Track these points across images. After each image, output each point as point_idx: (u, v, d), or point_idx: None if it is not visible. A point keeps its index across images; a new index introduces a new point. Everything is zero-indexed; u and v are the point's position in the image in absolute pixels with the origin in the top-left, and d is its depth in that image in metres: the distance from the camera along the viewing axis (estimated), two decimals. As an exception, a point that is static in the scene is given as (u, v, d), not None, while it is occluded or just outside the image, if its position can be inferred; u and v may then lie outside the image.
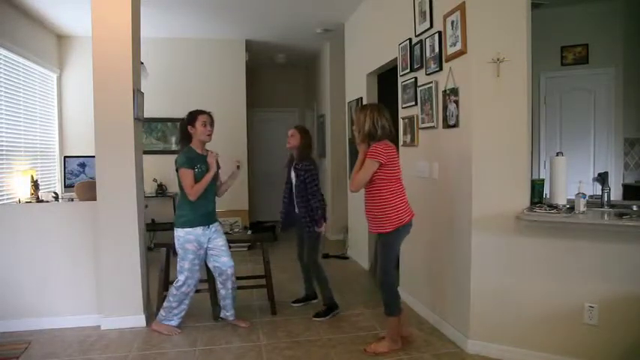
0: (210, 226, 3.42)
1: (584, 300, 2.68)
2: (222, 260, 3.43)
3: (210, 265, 3.48)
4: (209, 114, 3.41)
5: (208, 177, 3.31)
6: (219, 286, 3.50)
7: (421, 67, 3.63)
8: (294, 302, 3.97)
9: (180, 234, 3.31)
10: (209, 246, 3.42)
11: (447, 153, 3.29)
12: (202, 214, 3.35)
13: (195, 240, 3.32)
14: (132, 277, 3.54)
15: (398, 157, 2.97)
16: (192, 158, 3.31)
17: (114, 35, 3.45)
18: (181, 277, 3.36)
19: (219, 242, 3.45)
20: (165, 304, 3.43)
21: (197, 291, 3.55)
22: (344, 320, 3.64)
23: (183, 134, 3.43)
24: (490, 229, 2.92)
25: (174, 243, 3.38)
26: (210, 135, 3.39)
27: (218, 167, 3.46)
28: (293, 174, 3.73)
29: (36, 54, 5.47)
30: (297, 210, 3.75)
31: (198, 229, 3.32)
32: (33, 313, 3.51)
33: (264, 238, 4.07)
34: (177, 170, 3.30)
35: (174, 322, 3.43)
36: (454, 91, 3.12)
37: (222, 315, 3.56)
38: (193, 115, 3.37)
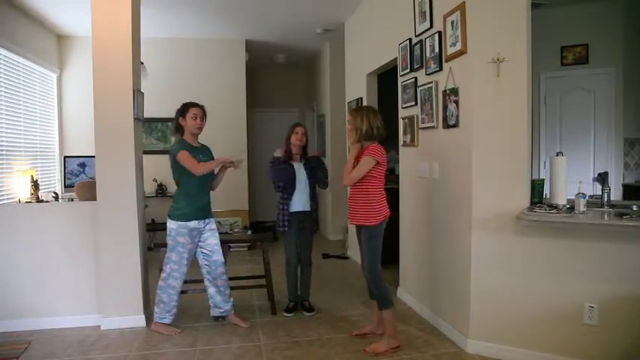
0: (205, 220, 3.42)
1: (584, 300, 2.68)
2: (214, 259, 3.46)
3: (201, 263, 3.49)
4: (201, 107, 3.42)
5: (214, 164, 3.32)
6: (206, 284, 3.51)
7: (421, 67, 3.63)
8: (287, 312, 3.77)
9: (173, 226, 3.32)
10: (201, 244, 3.43)
11: (447, 153, 3.29)
12: (198, 207, 3.36)
13: (188, 234, 3.33)
14: (132, 277, 3.54)
15: (386, 161, 3.13)
16: (187, 146, 3.33)
17: (114, 35, 3.45)
18: (167, 269, 3.37)
19: (213, 241, 3.46)
20: (156, 299, 3.44)
21: (183, 292, 3.53)
22: (344, 320, 3.64)
23: (176, 125, 3.45)
24: (490, 229, 2.92)
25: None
26: (200, 128, 3.40)
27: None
28: (306, 172, 3.68)
29: (36, 54, 5.47)
30: (308, 208, 3.71)
31: (192, 223, 3.33)
32: (33, 313, 3.51)
33: (264, 238, 4.08)
34: (174, 157, 3.27)
35: (167, 320, 3.43)
36: (454, 91, 3.12)
37: (215, 314, 3.56)
38: (185, 107, 3.39)
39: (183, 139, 3.40)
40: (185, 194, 3.33)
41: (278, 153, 3.70)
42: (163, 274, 3.40)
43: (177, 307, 3.48)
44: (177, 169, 3.32)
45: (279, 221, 3.71)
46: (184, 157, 3.24)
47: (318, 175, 3.74)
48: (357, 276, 4.95)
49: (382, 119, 3.12)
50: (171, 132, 6.37)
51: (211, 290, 3.51)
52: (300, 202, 3.68)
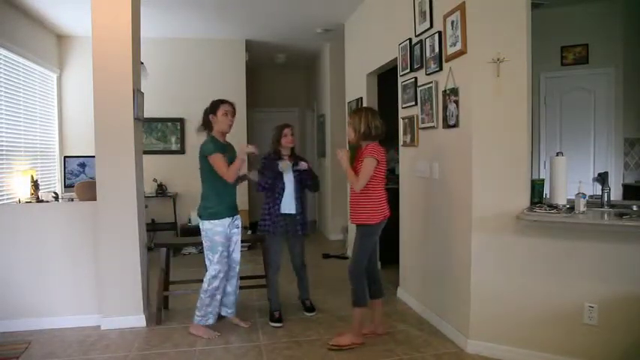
0: (234, 217, 3.43)
1: (584, 300, 2.68)
2: (233, 256, 3.46)
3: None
4: (231, 104, 3.39)
5: (238, 162, 3.25)
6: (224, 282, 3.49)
7: (421, 67, 3.63)
8: (275, 322, 3.57)
9: (207, 226, 3.28)
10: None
11: (447, 153, 3.29)
12: (228, 205, 3.36)
13: (223, 232, 3.30)
14: (132, 277, 3.54)
15: (386, 161, 3.14)
16: (219, 145, 3.29)
17: (114, 35, 3.45)
18: (212, 271, 3.30)
19: (236, 238, 3.47)
20: (198, 303, 3.35)
21: (241, 287, 3.56)
22: (344, 320, 3.64)
23: (204, 122, 3.38)
24: (490, 229, 2.92)
25: (202, 237, 3.35)
26: (230, 125, 3.37)
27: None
28: (294, 173, 3.62)
29: (36, 54, 5.47)
30: (294, 210, 3.63)
31: (226, 220, 3.31)
32: (33, 313, 3.51)
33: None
34: (205, 157, 3.23)
35: (212, 321, 3.38)
36: (454, 91, 3.12)
37: (223, 313, 3.54)
38: (216, 104, 3.35)
39: (213, 136, 3.34)
40: (215, 192, 3.29)
41: (282, 168, 3.56)
42: (208, 276, 3.30)
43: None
44: (207, 167, 3.27)
45: (265, 223, 3.60)
46: (217, 161, 3.20)
47: (306, 180, 3.68)
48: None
49: (382, 120, 3.13)
50: (172, 132, 6.41)
51: (228, 288, 3.47)
52: (286, 203, 3.61)
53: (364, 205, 3.07)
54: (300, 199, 3.68)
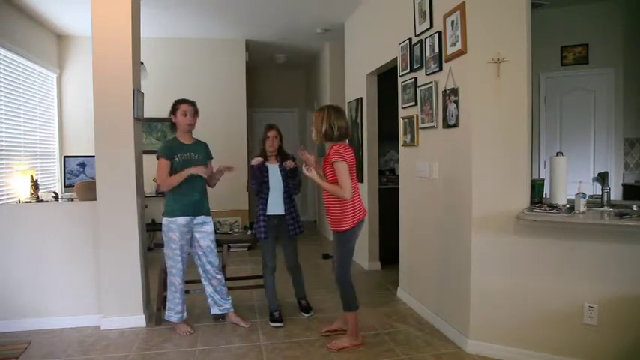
0: (196, 218, 3.40)
1: (584, 300, 2.68)
2: (206, 260, 3.46)
3: (196, 262, 3.52)
4: (192, 103, 3.42)
5: (183, 174, 3.27)
6: (204, 282, 3.53)
7: (421, 67, 3.63)
8: (275, 322, 3.57)
9: (164, 222, 3.36)
10: (195, 243, 3.44)
11: (447, 153, 3.29)
12: (185, 204, 3.33)
13: (177, 230, 3.32)
14: (132, 277, 3.54)
15: (354, 158, 3.04)
16: (172, 148, 3.34)
17: (114, 35, 3.45)
18: (167, 265, 3.41)
19: (205, 243, 3.44)
20: None
21: (185, 291, 3.53)
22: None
23: (171, 123, 3.47)
24: (490, 229, 2.92)
25: None
26: (189, 125, 3.38)
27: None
28: (281, 173, 3.60)
29: (36, 54, 5.47)
30: (282, 211, 3.60)
31: (180, 220, 3.32)
32: (33, 313, 3.52)
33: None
34: (157, 158, 3.34)
35: (174, 319, 3.42)
36: (454, 91, 3.12)
37: (215, 311, 3.56)
38: (175, 104, 3.40)
39: (175, 137, 3.43)
40: (172, 191, 3.34)
41: (254, 162, 3.59)
42: (168, 272, 3.43)
43: (183, 305, 3.45)
44: None
45: (255, 227, 3.62)
46: (159, 165, 3.31)
47: (291, 181, 3.64)
48: (355, 276, 4.94)
49: (347, 119, 3.02)
50: (171, 132, 6.39)
51: (209, 289, 3.53)
52: (273, 204, 3.59)
53: (336, 211, 3.00)
54: (289, 200, 3.65)
